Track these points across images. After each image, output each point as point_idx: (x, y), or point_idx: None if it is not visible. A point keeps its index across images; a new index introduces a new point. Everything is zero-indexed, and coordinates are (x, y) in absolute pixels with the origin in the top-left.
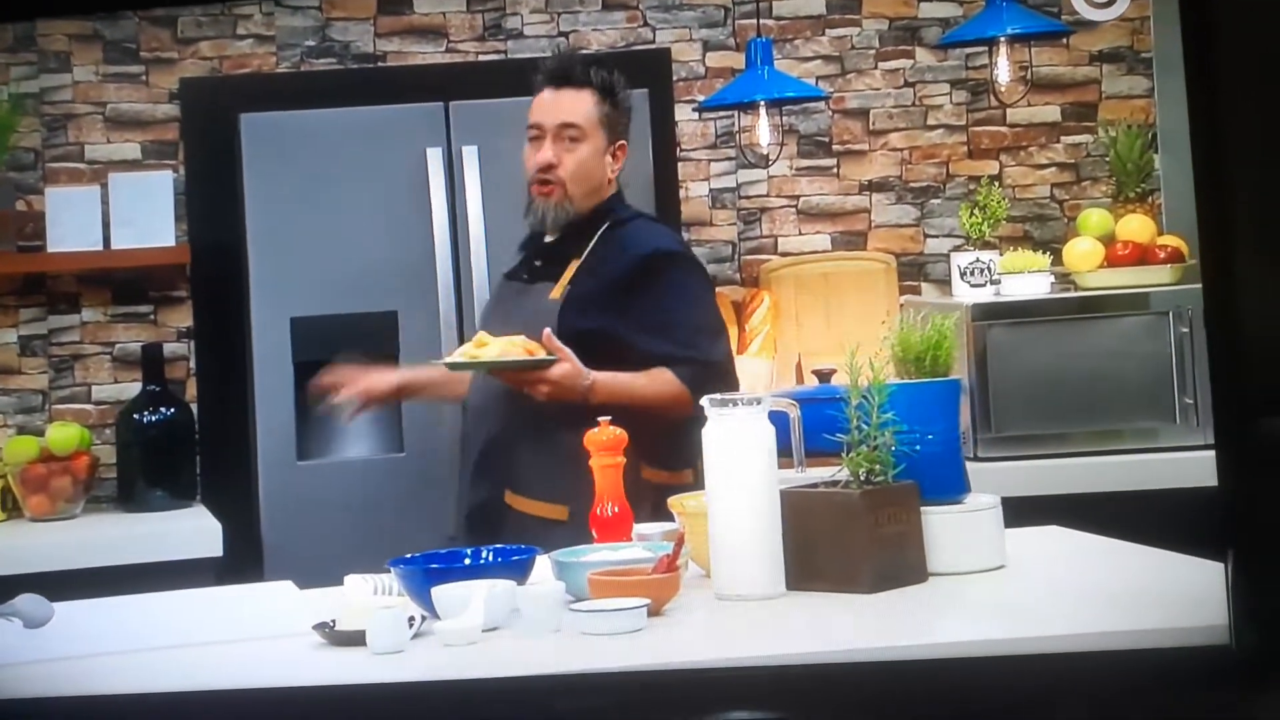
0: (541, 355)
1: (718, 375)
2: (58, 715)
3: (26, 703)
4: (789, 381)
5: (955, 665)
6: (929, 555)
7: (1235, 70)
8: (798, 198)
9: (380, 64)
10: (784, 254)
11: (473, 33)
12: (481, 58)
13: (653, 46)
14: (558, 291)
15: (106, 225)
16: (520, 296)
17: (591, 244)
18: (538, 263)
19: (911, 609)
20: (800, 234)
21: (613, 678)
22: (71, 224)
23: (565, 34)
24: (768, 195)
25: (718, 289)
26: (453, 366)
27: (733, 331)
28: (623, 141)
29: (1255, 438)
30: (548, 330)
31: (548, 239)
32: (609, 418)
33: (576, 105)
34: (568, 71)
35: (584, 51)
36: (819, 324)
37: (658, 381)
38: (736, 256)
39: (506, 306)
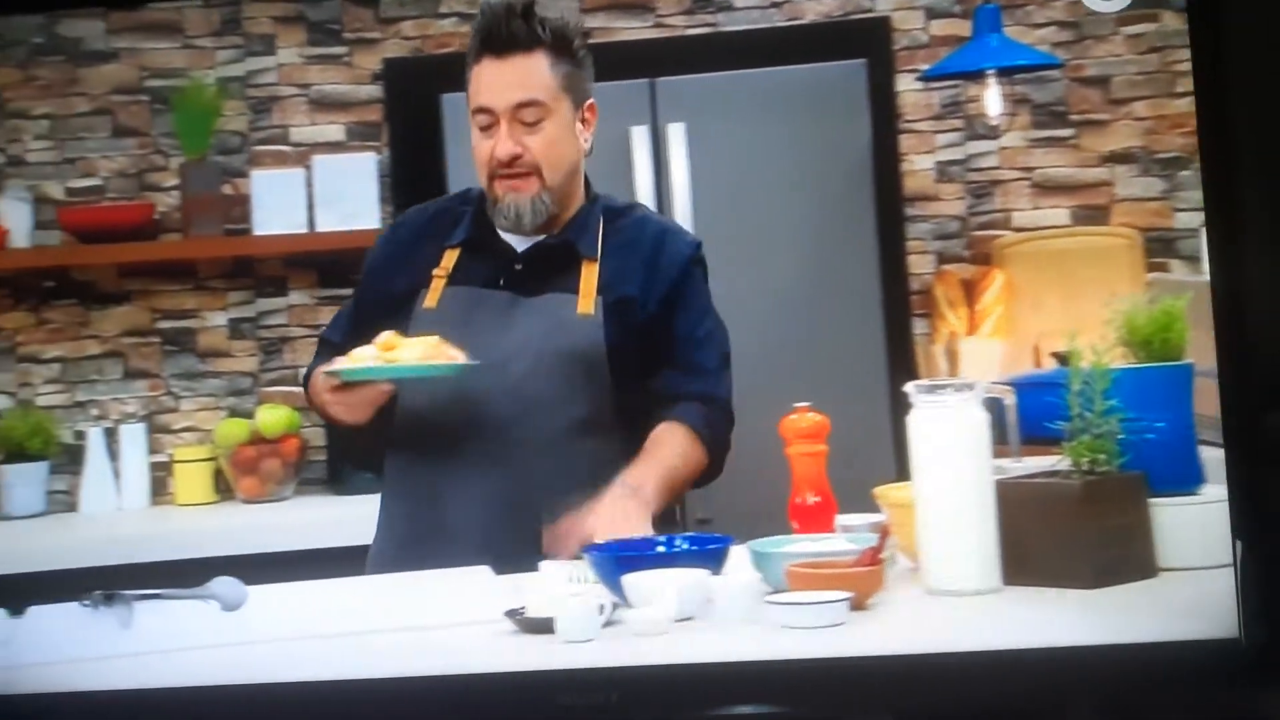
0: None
1: (729, 418)
2: (248, 702)
3: (220, 690)
4: (1025, 365)
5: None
6: (1159, 549)
7: (1244, 62)
8: (1032, 170)
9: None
10: (1018, 229)
11: (680, 6)
12: (690, 31)
13: (872, 15)
14: (588, 304)
15: (311, 208)
16: (516, 312)
17: (600, 241)
18: (519, 266)
19: (1132, 605)
20: (1036, 208)
21: (810, 665)
22: (277, 207)
23: (778, 4)
24: (999, 168)
25: (945, 266)
26: (356, 374)
27: (963, 312)
28: (590, 101)
29: (1263, 432)
30: None
31: (517, 241)
32: (808, 404)
33: (530, 76)
34: (509, 32)
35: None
36: (1057, 304)
37: (684, 451)
38: (965, 232)
39: (496, 325)
